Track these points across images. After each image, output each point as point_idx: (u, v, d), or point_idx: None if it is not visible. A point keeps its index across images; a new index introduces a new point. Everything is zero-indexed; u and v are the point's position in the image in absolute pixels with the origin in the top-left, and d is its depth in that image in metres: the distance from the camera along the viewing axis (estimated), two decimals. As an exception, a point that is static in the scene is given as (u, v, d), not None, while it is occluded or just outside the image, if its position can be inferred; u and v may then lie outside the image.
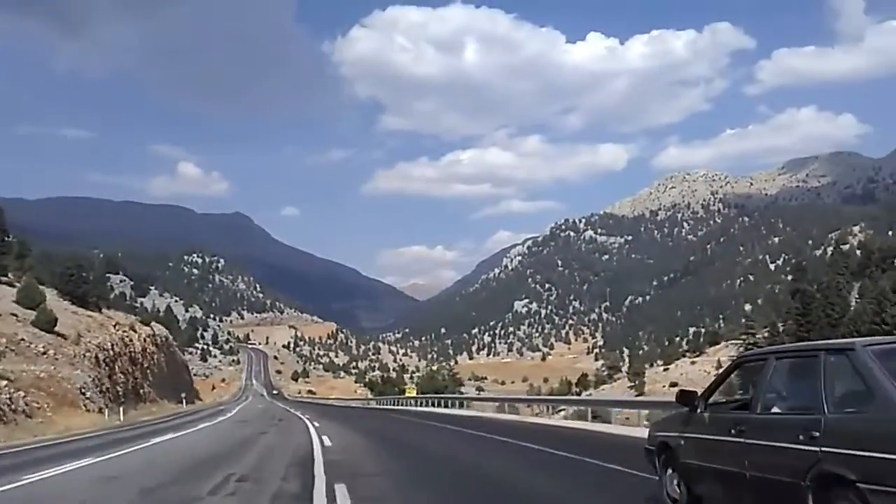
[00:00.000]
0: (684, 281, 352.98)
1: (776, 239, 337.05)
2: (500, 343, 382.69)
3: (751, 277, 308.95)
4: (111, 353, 50.73)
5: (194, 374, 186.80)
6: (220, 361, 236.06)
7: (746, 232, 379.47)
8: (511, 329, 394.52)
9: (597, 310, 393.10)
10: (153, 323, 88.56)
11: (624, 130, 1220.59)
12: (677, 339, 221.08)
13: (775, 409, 5.33)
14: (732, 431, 5.46)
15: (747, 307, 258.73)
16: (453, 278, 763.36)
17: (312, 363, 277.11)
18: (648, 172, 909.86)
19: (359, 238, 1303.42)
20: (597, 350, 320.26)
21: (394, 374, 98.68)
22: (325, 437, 17.69)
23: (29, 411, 29.05)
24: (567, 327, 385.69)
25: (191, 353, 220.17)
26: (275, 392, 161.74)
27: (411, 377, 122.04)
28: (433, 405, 41.87)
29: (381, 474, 10.76)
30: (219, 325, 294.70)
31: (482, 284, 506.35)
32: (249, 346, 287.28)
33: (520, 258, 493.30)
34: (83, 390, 37.53)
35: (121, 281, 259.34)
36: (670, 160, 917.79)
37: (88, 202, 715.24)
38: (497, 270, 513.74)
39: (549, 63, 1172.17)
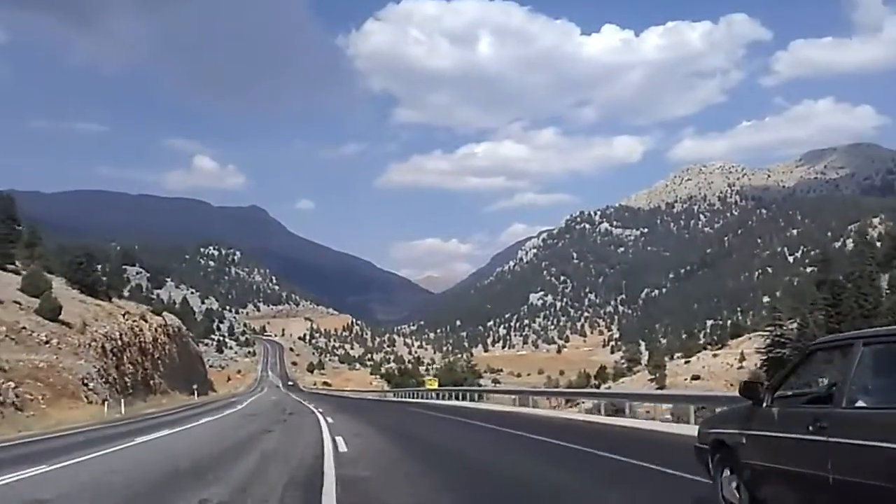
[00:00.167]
0: (701, 273, 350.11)
1: (794, 231, 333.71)
2: (515, 335, 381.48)
3: (769, 270, 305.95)
4: (119, 343, 49.45)
5: (210, 366, 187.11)
6: (235, 353, 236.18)
7: (764, 224, 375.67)
8: (526, 321, 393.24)
9: (612, 302, 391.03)
10: (165, 313, 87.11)
11: (639, 123, 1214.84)
12: (696, 331, 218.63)
13: (861, 403, 4.40)
14: (811, 428, 4.54)
15: (765, 299, 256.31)
16: (468, 271, 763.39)
17: (328, 355, 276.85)
18: (664, 165, 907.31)
19: (373, 231, 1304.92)
20: (612, 343, 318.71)
21: (410, 366, 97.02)
22: (339, 439, 14.76)
23: (20, 403, 27.58)
24: (582, 320, 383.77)
25: (206, 345, 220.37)
26: (290, 383, 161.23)
27: (427, 369, 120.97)
28: (451, 398, 40.39)
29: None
30: (235, 317, 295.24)
31: (497, 277, 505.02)
32: (265, 338, 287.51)
33: (535, 251, 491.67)
34: (86, 381, 36.18)
35: (137, 273, 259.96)
36: (686, 152, 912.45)
37: (105, 196, 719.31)
38: (512, 263, 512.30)
39: (564, 55, 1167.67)
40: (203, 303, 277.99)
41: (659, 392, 34.33)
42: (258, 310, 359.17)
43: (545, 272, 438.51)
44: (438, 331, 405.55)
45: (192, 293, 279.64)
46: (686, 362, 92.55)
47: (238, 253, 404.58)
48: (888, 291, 62.26)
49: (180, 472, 10.62)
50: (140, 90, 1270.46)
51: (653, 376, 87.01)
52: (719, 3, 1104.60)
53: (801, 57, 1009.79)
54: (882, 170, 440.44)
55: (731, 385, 76.32)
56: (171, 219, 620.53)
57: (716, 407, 18.84)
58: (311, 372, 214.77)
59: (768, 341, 62.57)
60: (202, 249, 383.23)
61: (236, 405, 42.99)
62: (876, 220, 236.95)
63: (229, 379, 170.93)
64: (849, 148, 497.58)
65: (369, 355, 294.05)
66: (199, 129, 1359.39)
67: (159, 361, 65.53)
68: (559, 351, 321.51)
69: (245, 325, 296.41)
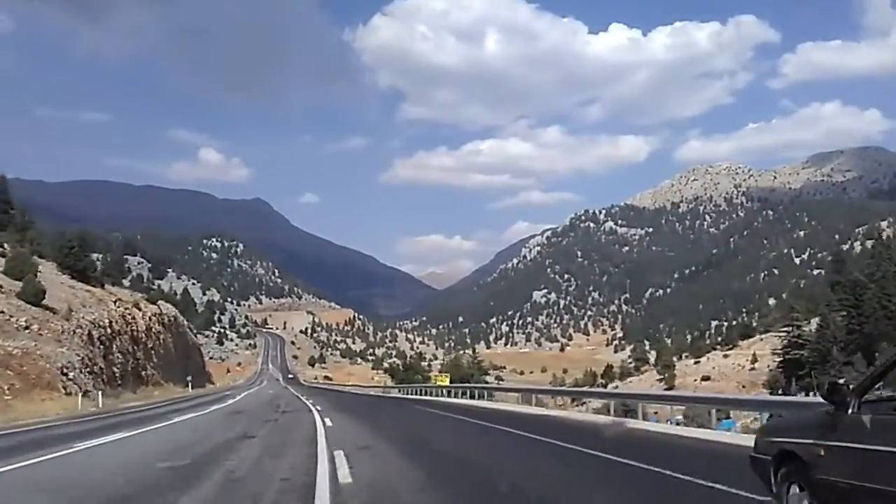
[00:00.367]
0: (706, 274, 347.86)
1: (801, 233, 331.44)
2: (518, 333, 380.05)
3: (775, 271, 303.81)
4: (109, 331, 47.16)
5: (210, 358, 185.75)
6: (236, 345, 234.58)
7: (770, 225, 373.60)
8: (529, 319, 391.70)
9: (616, 301, 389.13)
10: (160, 302, 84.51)
11: (645, 122, 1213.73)
12: (699, 332, 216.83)
13: None
14: None
15: (771, 301, 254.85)
16: (471, 268, 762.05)
17: (329, 349, 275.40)
18: (669, 165, 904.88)
19: (377, 226, 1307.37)
20: (616, 342, 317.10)
21: (413, 362, 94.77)
22: (339, 455, 10.71)
23: (-19, 393, 25.25)
24: (586, 318, 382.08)
25: (207, 337, 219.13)
26: (290, 376, 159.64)
27: (429, 365, 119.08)
28: (457, 396, 38.13)
29: None
30: (236, 310, 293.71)
31: (500, 274, 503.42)
32: (267, 331, 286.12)
33: (539, 248, 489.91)
34: (65, 370, 33.75)
35: (138, 263, 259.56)
36: (692, 153, 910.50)
37: (109, 186, 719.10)
38: (515, 261, 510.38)
39: (571, 54, 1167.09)
40: (204, 294, 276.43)
41: (692, 395, 32.25)
42: (260, 302, 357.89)
43: (549, 270, 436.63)
44: (441, 327, 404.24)
45: (193, 284, 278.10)
46: (695, 363, 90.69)
47: (241, 245, 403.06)
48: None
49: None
50: (146, 81, 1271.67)
51: (661, 376, 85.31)
52: (728, 4, 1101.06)
53: (809, 60, 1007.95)
54: (889, 173, 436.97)
55: (744, 387, 74.81)
56: (174, 210, 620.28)
57: (733, 411, 16.92)
58: (313, 366, 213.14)
59: (785, 342, 61.29)
60: (205, 241, 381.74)
61: (227, 399, 40.10)
62: (884, 224, 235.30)
63: (229, 371, 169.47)
64: (856, 151, 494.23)
65: (371, 350, 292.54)
66: (205, 122, 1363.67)
67: (153, 351, 63.30)
68: (562, 349, 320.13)
69: (247, 317, 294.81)
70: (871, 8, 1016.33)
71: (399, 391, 53.01)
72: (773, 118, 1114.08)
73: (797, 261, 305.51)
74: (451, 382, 47.01)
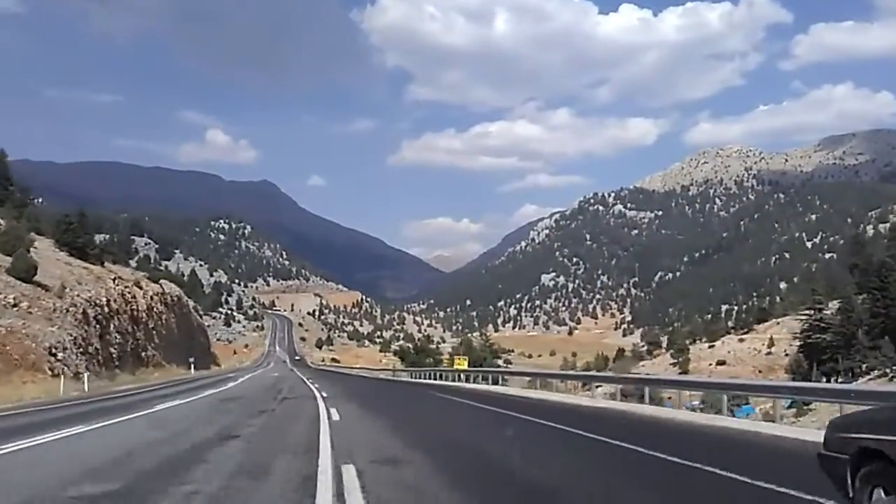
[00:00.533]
0: (716, 258, 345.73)
1: (813, 216, 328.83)
2: (525, 316, 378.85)
3: (786, 255, 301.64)
4: (106, 309, 45.10)
5: (217, 339, 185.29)
6: (244, 327, 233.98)
7: (782, 209, 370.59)
8: (537, 302, 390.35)
9: (625, 285, 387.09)
10: (163, 281, 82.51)
11: (654, 104, 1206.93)
12: (711, 316, 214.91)
13: None
14: None
15: (783, 285, 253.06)
16: (478, 251, 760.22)
17: (337, 331, 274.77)
18: (679, 147, 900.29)
19: (384, 208, 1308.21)
20: (625, 325, 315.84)
21: (429, 344, 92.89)
22: (347, 473, 7.39)
23: (-47, 374, 23.52)
24: (594, 302, 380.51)
25: (214, 318, 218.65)
26: (297, 358, 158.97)
27: (437, 347, 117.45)
28: (468, 380, 36.32)
29: None
30: (244, 291, 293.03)
31: (508, 257, 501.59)
32: (274, 313, 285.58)
33: (547, 231, 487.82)
34: (54, 350, 31.72)
35: (146, 244, 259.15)
36: (701, 136, 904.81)
37: (118, 167, 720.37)
38: (524, 244, 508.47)
39: (581, 34, 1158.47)
40: (212, 276, 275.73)
41: (723, 381, 30.48)
42: (268, 284, 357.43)
43: (557, 253, 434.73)
44: (448, 310, 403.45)
45: (200, 266, 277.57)
46: (710, 347, 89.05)
47: (248, 227, 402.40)
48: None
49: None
50: (155, 62, 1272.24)
51: (675, 360, 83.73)
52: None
53: (821, 41, 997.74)
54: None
55: (760, 371, 73.32)
56: (182, 191, 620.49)
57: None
58: (320, 348, 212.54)
59: (805, 326, 59.59)
60: (212, 223, 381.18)
61: (227, 382, 37.20)
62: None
63: (235, 353, 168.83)
64: (868, 134, 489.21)
65: (378, 332, 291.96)
66: (213, 103, 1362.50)
67: (154, 332, 61.37)
68: (570, 333, 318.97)
69: (254, 299, 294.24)
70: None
71: (409, 375, 50.40)
72: (784, 100, 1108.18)
73: (809, 244, 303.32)
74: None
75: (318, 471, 7.51)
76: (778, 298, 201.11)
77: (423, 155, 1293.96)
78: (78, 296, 40.46)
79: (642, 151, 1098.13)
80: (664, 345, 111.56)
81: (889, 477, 4.12)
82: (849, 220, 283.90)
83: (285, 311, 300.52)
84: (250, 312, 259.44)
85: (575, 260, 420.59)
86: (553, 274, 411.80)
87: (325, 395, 22.92)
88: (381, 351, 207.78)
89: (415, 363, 57.55)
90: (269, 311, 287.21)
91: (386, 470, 7.82)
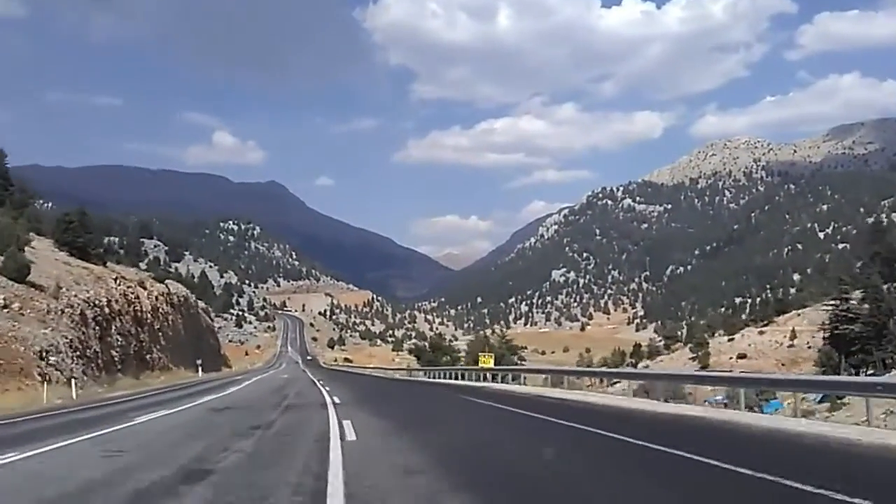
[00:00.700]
0: (727, 250, 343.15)
1: (824, 207, 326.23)
2: (537, 312, 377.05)
3: (799, 246, 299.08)
4: (107, 310, 43.37)
5: (229, 341, 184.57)
6: (255, 328, 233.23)
7: (792, 200, 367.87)
8: (548, 298, 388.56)
9: (636, 279, 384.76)
10: (169, 281, 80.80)
11: (660, 98, 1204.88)
12: (725, 308, 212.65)
13: None
14: None
15: (795, 277, 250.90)
16: (487, 248, 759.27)
17: (348, 331, 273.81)
18: (686, 140, 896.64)
19: (393, 207, 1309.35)
20: (637, 320, 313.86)
21: (442, 342, 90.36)
22: None
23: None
24: (606, 297, 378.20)
25: (226, 320, 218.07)
26: (309, 358, 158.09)
27: (449, 344, 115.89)
28: (487, 379, 34.66)
29: None
30: (254, 292, 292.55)
31: (518, 254, 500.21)
32: (285, 313, 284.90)
33: (556, 227, 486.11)
34: (45, 354, 29.74)
35: (155, 246, 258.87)
36: (708, 128, 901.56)
37: (126, 170, 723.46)
38: (533, 240, 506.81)
39: (584, 28, 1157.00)
40: (222, 277, 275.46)
41: (762, 376, 29.03)
42: (278, 285, 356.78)
43: (567, 249, 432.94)
44: (459, 307, 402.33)
45: (210, 267, 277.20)
46: (729, 340, 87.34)
47: (257, 228, 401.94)
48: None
49: None
50: (160, 65, 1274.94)
51: (694, 355, 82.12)
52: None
53: (826, 30, 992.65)
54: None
55: (783, 364, 71.75)
56: (190, 194, 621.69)
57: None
58: (332, 348, 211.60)
59: (831, 316, 57.91)
60: (221, 224, 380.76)
61: (231, 386, 34.34)
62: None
63: (247, 354, 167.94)
64: (877, 123, 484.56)
65: (390, 331, 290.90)
66: (219, 105, 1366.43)
67: (160, 333, 59.55)
68: (583, 329, 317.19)
69: (265, 300, 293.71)
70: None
71: (426, 374, 48.04)
72: (790, 91, 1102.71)
73: (821, 235, 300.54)
74: (477, 364, 43.67)
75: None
76: (792, 290, 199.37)
77: (430, 153, 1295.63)
78: (75, 296, 38.96)
79: (649, 145, 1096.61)
80: (682, 338, 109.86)
81: None
82: (861, 209, 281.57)
83: (296, 311, 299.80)
84: (261, 313, 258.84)
85: (585, 255, 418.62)
86: (563, 270, 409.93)
87: (336, 400, 19.70)
88: (393, 350, 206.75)
89: (431, 362, 55.07)
90: (281, 312, 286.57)
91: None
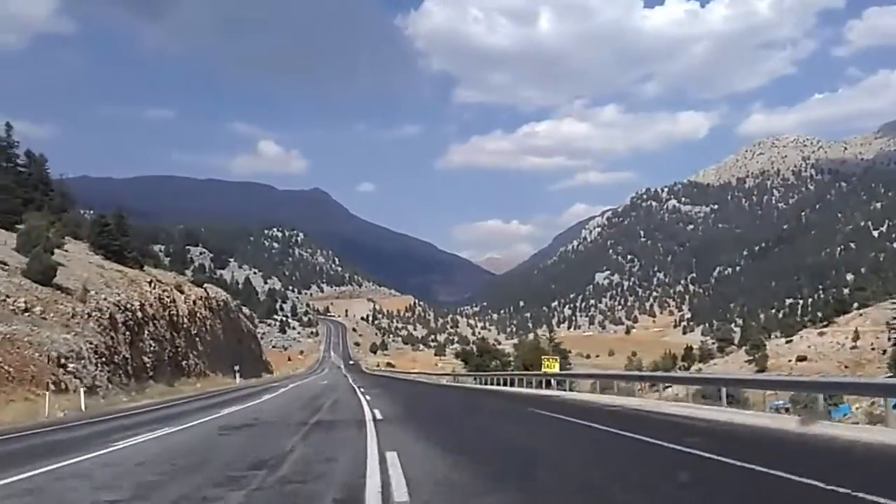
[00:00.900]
0: (777, 250, 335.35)
1: (878, 204, 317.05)
2: (581, 316, 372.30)
3: (852, 245, 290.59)
4: (139, 314, 41.49)
5: (272, 346, 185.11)
6: (298, 333, 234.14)
7: (844, 198, 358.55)
8: (592, 302, 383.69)
9: (682, 281, 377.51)
10: (208, 285, 79.34)
11: (705, 97, 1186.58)
12: (772, 310, 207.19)
13: None
14: None
15: (849, 276, 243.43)
16: (529, 252, 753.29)
17: (391, 336, 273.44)
18: (732, 140, 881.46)
19: (434, 213, 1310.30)
20: (684, 323, 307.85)
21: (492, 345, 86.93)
22: None
23: None
24: (651, 299, 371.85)
25: (269, 325, 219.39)
26: (351, 363, 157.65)
27: (493, 345, 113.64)
28: (541, 385, 32.42)
29: None
30: (298, 298, 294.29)
31: (560, 257, 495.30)
32: (328, 319, 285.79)
33: (599, 229, 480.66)
34: (65, 361, 27.50)
35: (200, 253, 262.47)
36: (754, 127, 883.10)
37: (173, 180, 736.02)
38: (576, 243, 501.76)
39: (627, 29, 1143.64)
40: (266, 283, 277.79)
41: (850, 380, 26.75)
42: (321, 291, 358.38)
43: (611, 251, 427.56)
44: (502, 311, 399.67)
45: (255, 273, 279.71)
46: (787, 342, 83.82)
47: (301, 235, 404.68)
48: None
49: None
50: (206, 76, 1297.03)
51: (750, 357, 78.88)
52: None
53: (875, 25, 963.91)
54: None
55: (847, 367, 68.35)
56: (236, 202, 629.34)
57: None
58: (375, 353, 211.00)
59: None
60: (266, 231, 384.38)
61: (263, 395, 31.06)
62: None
63: (290, 359, 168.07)
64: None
65: (433, 336, 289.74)
66: (264, 115, 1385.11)
67: (197, 339, 57.83)
68: (628, 332, 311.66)
69: (308, 305, 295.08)
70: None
71: (474, 380, 44.86)
72: (839, 88, 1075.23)
73: (875, 233, 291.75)
74: (528, 368, 41.41)
75: None
76: (846, 290, 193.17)
77: (471, 158, 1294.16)
78: (105, 299, 37.33)
79: (694, 145, 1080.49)
80: (735, 341, 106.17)
81: None
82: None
83: (339, 316, 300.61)
84: (305, 319, 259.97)
85: (629, 257, 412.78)
86: (607, 272, 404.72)
87: (378, 415, 15.99)
88: (436, 354, 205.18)
89: (479, 366, 52.28)
90: (324, 317, 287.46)
91: None
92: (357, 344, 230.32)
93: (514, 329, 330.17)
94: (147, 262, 57.91)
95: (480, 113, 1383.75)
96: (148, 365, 40.79)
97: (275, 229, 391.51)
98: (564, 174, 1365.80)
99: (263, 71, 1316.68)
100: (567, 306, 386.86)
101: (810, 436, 10.43)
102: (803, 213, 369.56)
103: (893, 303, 55.63)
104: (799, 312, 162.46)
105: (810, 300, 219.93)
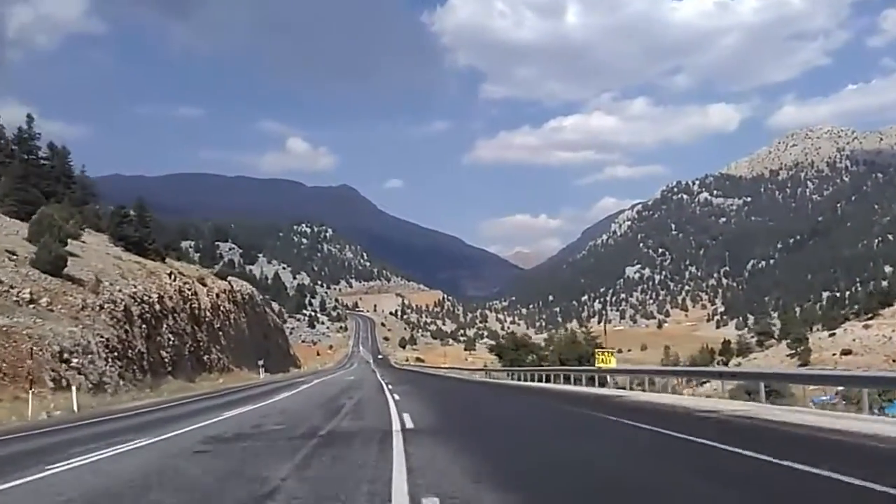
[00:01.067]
0: (812, 243, 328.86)
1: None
2: (611, 310, 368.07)
3: (890, 237, 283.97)
4: (157, 307, 39.72)
5: (301, 341, 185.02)
6: (327, 328, 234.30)
7: (881, 189, 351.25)
8: (623, 296, 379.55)
9: (715, 275, 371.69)
10: (232, 278, 77.26)
11: (735, 89, 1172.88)
12: (808, 303, 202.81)
13: None
14: None
15: (887, 268, 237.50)
16: (557, 246, 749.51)
17: (420, 330, 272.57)
18: (764, 132, 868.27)
19: (462, 208, 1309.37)
20: (717, 317, 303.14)
21: (541, 337, 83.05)
22: None
23: None
24: (683, 293, 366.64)
25: (298, 320, 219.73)
26: (380, 357, 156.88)
27: (522, 335, 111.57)
28: (553, 380, 30.59)
29: None
30: (326, 293, 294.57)
31: (589, 251, 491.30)
32: (357, 314, 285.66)
33: (629, 223, 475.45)
34: (69, 356, 25.46)
35: (230, 249, 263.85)
36: (786, 119, 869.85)
37: (204, 178, 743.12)
38: (605, 236, 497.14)
39: (655, 21, 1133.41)
40: (295, 278, 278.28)
41: None
42: (350, 286, 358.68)
43: (641, 244, 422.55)
44: (531, 306, 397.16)
45: (284, 269, 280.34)
46: (830, 335, 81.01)
47: (330, 230, 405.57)
48: None
49: None
50: (235, 75, 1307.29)
51: (793, 351, 76.21)
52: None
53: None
54: None
55: (895, 360, 65.63)
56: (266, 199, 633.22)
57: None
58: (403, 347, 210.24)
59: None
60: (295, 227, 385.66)
61: (281, 392, 28.35)
62: None
63: (318, 354, 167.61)
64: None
65: (462, 331, 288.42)
66: (292, 112, 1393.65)
67: (220, 332, 56.00)
68: (660, 326, 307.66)
69: (337, 300, 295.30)
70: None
71: (509, 376, 41.74)
72: (873, 78, 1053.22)
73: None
74: (565, 363, 39.27)
75: None
76: (884, 282, 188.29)
77: (499, 153, 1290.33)
78: (120, 291, 35.52)
79: (725, 137, 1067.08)
80: (774, 334, 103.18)
81: None
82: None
83: (368, 311, 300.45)
84: (333, 314, 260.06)
85: (661, 251, 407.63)
86: (638, 266, 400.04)
87: (408, 422, 12.54)
88: (465, 349, 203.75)
89: (514, 361, 49.57)
90: (352, 312, 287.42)
91: None
92: (386, 339, 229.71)
93: (544, 323, 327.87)
94: (171, 254, 56.72)
95: (507, 108, 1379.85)
96: (166, 359, 39.09)
97: (303, 225, 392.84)
98: (593, 168, 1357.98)
99: (291, 69, 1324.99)
100: (597, 300, 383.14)
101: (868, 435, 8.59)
102: (839, 205, 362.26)
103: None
104: (837, 305, 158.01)
105: (847, 293, 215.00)
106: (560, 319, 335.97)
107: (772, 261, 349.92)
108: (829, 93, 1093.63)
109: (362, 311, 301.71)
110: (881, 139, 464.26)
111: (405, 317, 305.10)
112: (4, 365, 21.19)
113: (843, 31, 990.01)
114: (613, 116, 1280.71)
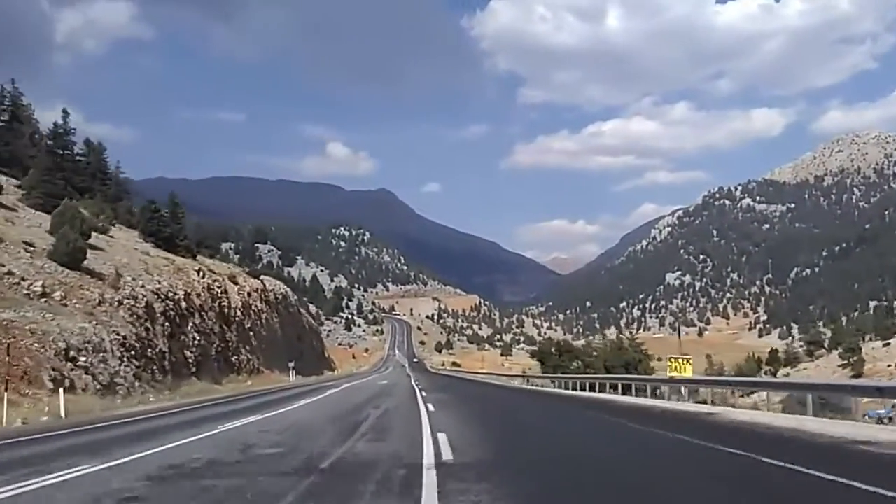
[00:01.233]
0: (859, 251, 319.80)
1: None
2: (650, 317, 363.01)
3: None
4: (183, 304, 38.25)
5: (338, 344, 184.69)
6: (363, 331, 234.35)
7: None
8: (662, 303, 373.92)
9: (758, 282, 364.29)
10: (265, 277, 76.41)
11: (780, 94, 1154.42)
12: (855, 312, 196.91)
13: None
14: None
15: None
16: (595, 252, 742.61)
17: (456, 335, 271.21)
18: (808, 137, 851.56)
19: (499, 212, 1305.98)
20: (760, 325, 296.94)
21: (578, 344, 80.00)
22: None
23: None
24: (725, 301, 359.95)
25: (335, 322, 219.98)
26: (415, 361, 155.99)
27: (559, 341, 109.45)
28: (599, 390, 28.99)
29: None
30: (363, 296, 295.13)
31: (628, 257, 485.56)
32: (393, 317, 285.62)
33: (669, 229, 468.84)
34: (74, 353, 23.62)
35: (269, 251, 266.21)
36: (831, 124, 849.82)
37: (246, 181, 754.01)
38: (644, 242, 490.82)
39: (698, 25, 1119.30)
40: (332, 281, 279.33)
41: None
42: (387, 289, 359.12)
43: (682, 251, 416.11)
44: (568, 312, 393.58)
45: (321, 271, 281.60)
46: (884, 345, 77.85)
47: (367, 234, 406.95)
48: None
49: None
50: (276, 79, 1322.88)
51: (845, 362, 73.21)
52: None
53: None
54: None
55: (955, 372, 62.58)
56: (305, 202, 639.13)
57: None
58: (440, 352, 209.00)
59: None
60: (333, 230, 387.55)
61: (305, 398, 26.11)
62: None
63: (354, 357, 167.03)
64: None
65: (498, 336, 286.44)
66: (332, 116, 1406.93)
67: (250, 333, 54.73)
68: (700, 334, 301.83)
69: (374, 303, 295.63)
70: None
71: (553, 383, 39.02)
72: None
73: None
74: (611, 371, 37.23)
75: None
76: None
77: (537, 157, 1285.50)
78: (142, 286, 34.01)
79: (768, 143, 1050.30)
80: (824, 344, 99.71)
81: None
82: None
83: (404, 315, 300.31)
84: (370, 317, 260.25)
85: (702, 258, 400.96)
86: (678, 273, 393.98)
87: (444, 450, 9.50)
88: (502, 354, 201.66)
89: (558, 367, 46.91)
90: (389, 316, 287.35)
91: None
92: (422, 343, 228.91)
93: (581, 329, 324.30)
94: (203, 252, 55.97)
95: (546, 112, 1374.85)
96: (190, 360, 37.59)
97: (342, 228, 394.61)
98: (632, 173, 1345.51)
99: (330, 72, 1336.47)
100: (636, 307, 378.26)
101: None
102: (886, 212, 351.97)
103: None
104: (891, 315, 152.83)
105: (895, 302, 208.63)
106: (598, 326, 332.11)
107: (816, 269, 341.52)
108: (876, 97, 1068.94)
109: (399, 314, 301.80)
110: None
111: (441, 321, 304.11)
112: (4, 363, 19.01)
113: (892, 35, 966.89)
114: (654, 121, 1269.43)
